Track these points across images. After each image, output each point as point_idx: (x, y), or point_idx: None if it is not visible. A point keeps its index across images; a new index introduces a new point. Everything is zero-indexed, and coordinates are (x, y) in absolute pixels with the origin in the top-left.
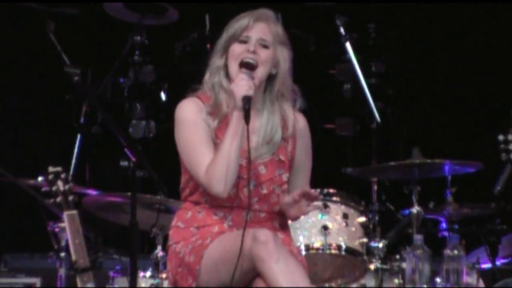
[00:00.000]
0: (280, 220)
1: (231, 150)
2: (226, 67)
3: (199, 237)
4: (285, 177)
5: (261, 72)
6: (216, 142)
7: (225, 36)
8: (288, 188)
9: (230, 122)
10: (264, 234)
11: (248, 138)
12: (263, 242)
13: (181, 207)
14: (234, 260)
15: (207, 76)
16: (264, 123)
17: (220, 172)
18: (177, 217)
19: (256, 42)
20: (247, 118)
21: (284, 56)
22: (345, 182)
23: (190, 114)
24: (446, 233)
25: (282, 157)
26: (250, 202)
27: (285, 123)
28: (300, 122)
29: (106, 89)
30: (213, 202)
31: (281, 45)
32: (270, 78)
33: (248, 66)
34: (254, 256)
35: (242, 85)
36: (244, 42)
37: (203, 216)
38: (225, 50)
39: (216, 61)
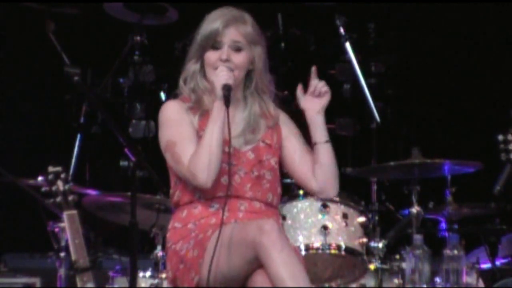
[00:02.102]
0: (276, 216)
1: (212, 138)
2: (202, 69)
3: (199, 232)
4: (273, 161)
5: (237, 75)
6: (200, 134)
7: (198, 41)
8: (301, 176)
9: (211, 113)
10: (270, 224)
11: (229, 123)
12: (268, 232)
13: (176, 208)
14: (237, 249)
15: (182, 83)
16: (246, 114)
17: (202, 160)
18: (173, 218)
19: (228, 48)
20: (227, 103)
21: (258, 54)
22: (345, 182)
23: (172, 113)
24: (445, 233)
25: (268, 141)
26: (229, 187)
27: (264, 114)
28: (281, 115)
29: (106, 89)
30: (207, 195)
31: (254, 44)
32: (248, 74)
33: None
34: (258, 244)
35: (222, 75)
36: (217, 48)
37: (199, 211)
38: (200, 56)
39: (192, 66)
